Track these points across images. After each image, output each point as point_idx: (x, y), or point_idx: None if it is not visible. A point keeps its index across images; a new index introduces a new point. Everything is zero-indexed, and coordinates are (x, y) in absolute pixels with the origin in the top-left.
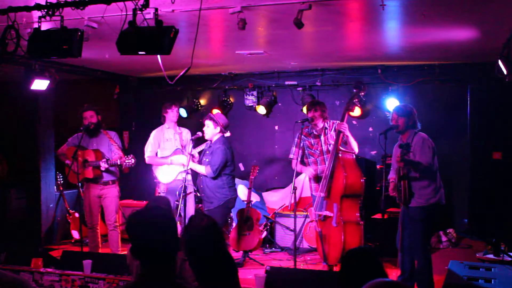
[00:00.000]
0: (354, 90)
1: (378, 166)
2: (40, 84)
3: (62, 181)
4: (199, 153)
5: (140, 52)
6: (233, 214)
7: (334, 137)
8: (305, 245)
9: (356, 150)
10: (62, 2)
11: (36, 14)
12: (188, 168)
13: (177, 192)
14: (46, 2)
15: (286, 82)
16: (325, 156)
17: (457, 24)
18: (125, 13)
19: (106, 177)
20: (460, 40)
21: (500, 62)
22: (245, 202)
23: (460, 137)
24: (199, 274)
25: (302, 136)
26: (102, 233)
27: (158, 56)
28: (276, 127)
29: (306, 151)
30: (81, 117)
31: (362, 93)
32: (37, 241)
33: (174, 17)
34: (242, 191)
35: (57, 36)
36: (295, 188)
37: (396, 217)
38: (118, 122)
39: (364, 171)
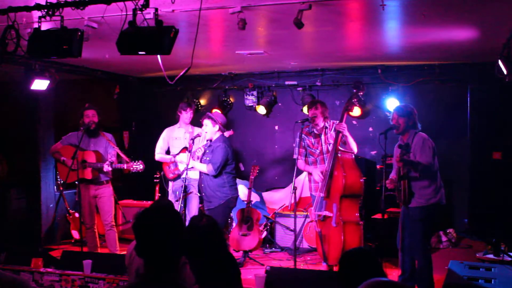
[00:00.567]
0: (354, 90)
1: (378, 166)
2: (40, 84)
3: (62, 181)
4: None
5: (140, 52)
6: (233, 214)
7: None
8: (305, 245)
9: (355, 150)
10: (62, 2)
11: (36, 14)
12: (189, 166)
13: (177, 192)
14: (46, 2)
15: (286, 82)
16: (325, 155)
17: (457, 24)
18: (125, 13)
19: (102, 177)
20: (460, 40)
21: (500, 62)
22: (245, 202)
23: (460, 137)
24: (200, 275)
25: (303, 135)
26: (101, 233)
27: (158, 56)
28: (276, 127)
29: (306, 150)
30: (82, 116)
31: (361, 93)
32: (37, 241)
33: (174, 17)
34: (242, 191)
35: (57, 36)
36: (295, 188)
37: (396, 217)
38: (118, 122)
39: (364, 171)
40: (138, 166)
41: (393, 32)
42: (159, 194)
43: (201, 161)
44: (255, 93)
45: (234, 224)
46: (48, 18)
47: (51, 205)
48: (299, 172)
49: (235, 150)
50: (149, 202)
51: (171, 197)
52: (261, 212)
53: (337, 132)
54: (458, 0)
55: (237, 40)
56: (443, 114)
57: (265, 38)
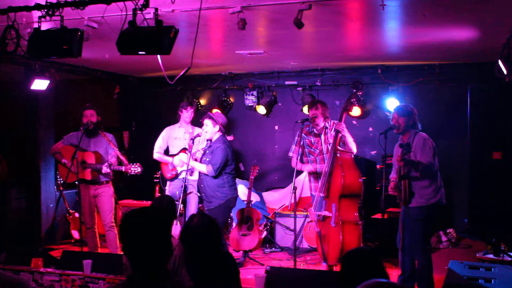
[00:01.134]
0: (353, 90)
1: (378, 166)
2: (40, 84)
3: (62, 181)
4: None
5: (140, 52)
6: (233, 214)
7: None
8: (305, 245)
9: (354, 150)
10: (62, 2)
11: (36, 14)
12: (189, 166)
13: (177, 192)
14: (46, 2)
15: (286, 82)
16: (324, 155)
17: (457, 24)
18: (125, 13)
19: (101, 178)
20: (460, 40)
21: (500, 62)
22: (245, 202)
23: (460, 137)
24: (194, 274)
25: (303, 134)
26: (101, 233)
27: (158, 56)
28: (276, 127)
29: (306, 149)
30: (81, 115)
31: (360, 93)
32: (37, 241)
33: (174, 17)
34: (242, 191)
35: (57, 36)
36: (295, 188)
37: (396, 217)
38: (118, 122)
39: (364, 171)
40: (136, 169)
41: (393, 32)
42: (159, 194)
43: (201, 162)
44: (255, 93)
45: (234, 224)
46: (48, 18)
47: (51, 205)
48: (299, 172)
49: (235, 150)
50: (149, 202)
51: None
52: (261, 212)
53: (336, 132)
54: (458, 0)
55: (237, 40)
56: (443, 114)
57: (265, 38)
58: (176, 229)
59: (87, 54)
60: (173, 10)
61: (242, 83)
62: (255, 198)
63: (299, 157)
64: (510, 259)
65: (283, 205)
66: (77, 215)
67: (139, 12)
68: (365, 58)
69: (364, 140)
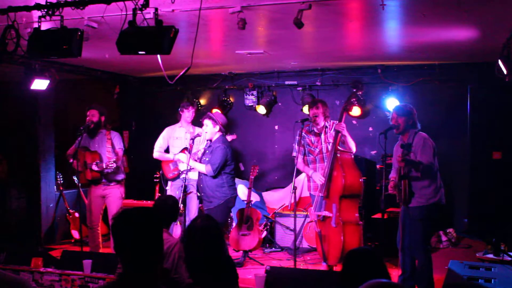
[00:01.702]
0: (354, 90)
1: (378, 166)
2: (40, 84)
3: (62, 181)
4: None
5: (140, 52)
6: (233, 214)
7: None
8: (305, 245)
9: (354, 149)
10: (62, 2)
11: (36, 14)
12: (189, 166)
13: (177, 192)
14: (46, 2)
15: (286, 82)
16: (324, 155)
17: (457, 24)
18: (125, 13)
19: (104, 178)
20: (460, 40)
21: (500, 62)
22: (245, 202)
23: (460, 137)
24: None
25: (303, 133)
26: (104, 233)
27: (158, 56)
28: (276, 127)
29: (305, 148)
30: (86, 114)
31: (360, 93)
32: (37, 241)
33: (174, 17)
34: (242, 191)
35: (57, 36)
36: (295, 188)
37: (396, 216)
38: (118, 122)
39: (364, 171)
40: (113, 165)
41: (393, 32)
42: (159, 194)
43: (200, 162)
44: (255, 93)
45: (234, 224)
46: (48, 18)
47: (51, 205)
48: (299, 172)
49: (235, 150)
50: (149, 202)
51: None
52: (261, 212)
53: (336, 132)
54: (458, 0)
55: (237, 40)
56: (443, 114)
57: (265, 38)
58: (176, 229)
59: (87, 54)
60: (173, 10)
61: (242, 83)
62: (255, 198)
63: (302, 157)
64: (510, 259)
65: (283, 205)
66: (77, 215)
67: (139, 12)
68: (365, 58)
69: (364, 140)
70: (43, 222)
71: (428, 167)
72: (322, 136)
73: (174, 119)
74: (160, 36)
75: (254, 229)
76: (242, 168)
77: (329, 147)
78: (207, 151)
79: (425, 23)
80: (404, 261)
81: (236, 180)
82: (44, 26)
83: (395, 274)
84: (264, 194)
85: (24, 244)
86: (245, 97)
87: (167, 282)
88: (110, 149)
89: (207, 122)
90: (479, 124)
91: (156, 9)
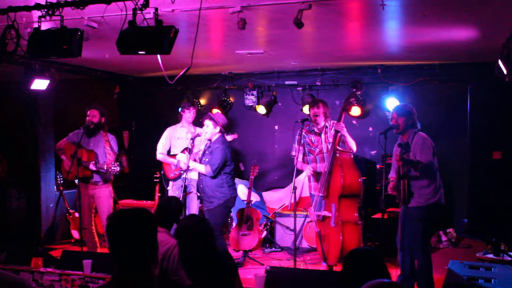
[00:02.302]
0: (353, 90)
1: (378, 166)
2: (40, 84)
3: (62, 181)
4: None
5: (140, 52)
6: (233, 214)
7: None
8: (305, 245)
9: (354, 148)
10: (62, 2)
11: (36, 13)
12: (188, 166)
13: (177, 192)
14: (46, 2)
15: (286, 82)
16: (324, 154)
17: (457, 24)
18: (125, 13)
19: (96, 177)
20: (460, 40)
21: (500, 62)
22: (245, 202)
23: (460, 137)
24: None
25: (303, 133)
26: (101, 233)
27: (158, 56)
28: (276, 127)
29: (306, 148)
30: (86, 114)
31: (359, 92)
32: (37, 241)
33: (174, 17)
34: (242, 191)
35: (57, 36)
36: (295, 188)
37: (396, 216)
38: (118, 122)
39: (364, 171)
40: (115, 168)
41: (393, 32)
42: (159, 194)
43: (200, 162)
44: (255, 93)
45: (234, 224)
46: (48, 18)
47: (51, 205)
48: (299, 171)
49: (235, 150)
50: (149, 202)
51: None
52: (261, 212)
53: (336, 132)
54: (458, 0)
55: (237, 40)
56: (443, 114)
57: (265, 38)
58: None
59: (87, 54)
60: (173, 10)
61: (242, 83)
62: (255, 198)
63: (300, 156)
64: (510, 259)
65: (283, 205)
66: (77, 215)
67: (139, 12)
68: (365, 58)
69: (364, 140)
70: (43, 222)
71: (428, 167)
72: (322, 136)
73: (174, 119)
74: (160, 36)
75: (254, 229)
76: (242, 168)
77: (329, 147)
78: (207, 152)
79: (425, 23)
80: (404, 261)
81: (236, 180)
82: (44, 26)
83: (394, 274)
84: (264, 194)
85: (24, 244)
86: (245, 97)
87: (167, 284)
88: (109, 150)
89: (207, 123)
90: (479, 124)
91: (156, 9)
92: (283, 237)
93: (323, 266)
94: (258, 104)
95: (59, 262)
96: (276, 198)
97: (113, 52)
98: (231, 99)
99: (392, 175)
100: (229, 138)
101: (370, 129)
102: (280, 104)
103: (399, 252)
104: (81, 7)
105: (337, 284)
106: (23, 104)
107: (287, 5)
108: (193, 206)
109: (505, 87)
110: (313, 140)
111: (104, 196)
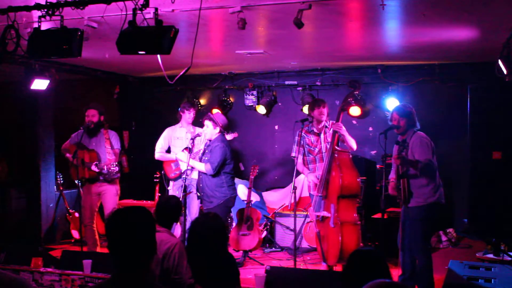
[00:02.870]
0: (351, 89)
1: (378, 166)
2: (40, 84)
3: (62, 181)
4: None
5: (140, 52)
6: (233, 214)
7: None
8: (305, 245)
9: (354, 147)
10: (62, 2)
11: (36, 13)
12: (189, 166)
13: (177, 192)
14: (46, 1)
15: (286, 82)
16: (323, 154)
17: (457, 24)
18: (125, 13)
19: (101, 176)
20: (460, 40)
21: (500, 62)
22: (245, 202)
23: (460, 137)
24: (198, 273)
25: (302, 133)
26: (101, 232)
27: (158, 56)
28: (276, 127)
29: (305, 148)
30: (84, 115)
31: (357, 92)
32: (37, 241)
33: (174, 17)
34: (242, 190)
35: (57, 36)
36: (295, 188)
37: (396, 216)
38: (118, 122)
39: (364, 171)
40: (114, 168)
41: (393, 32)
42: (159, 194)
43: (200, 161)
44: (255, 93)
45: (234, 224)
46: (48, 17)
47: (51, 205)
48: (299, 172)
49: (235, 150)
50: (149, 202)
51: None
52: (261, 212)
53: (334, 132)
54: (458, 0)
55: (237, 39)
56: (443, 114)
57: (265, 38)
58: (176, 229)
59: (87, 54)
60: (173, 10)
61: (242, 83)
62: (255, 197)
63: (302, 157)
64: (510, 259)
65: (283, 205)
66: (77, 215)
67: (139, 12)
68: (365, 58)
69: (364, 140)
70: (43, 222)
71: (427, 165)
72: (322, 135)
73: (174, 119)
74: (160, 36)
75: (254, 229)
76: (242, 168)
77: (328, 147)
78: (207, 150)
79: (425, 23)
80: (404, 261)
81: (236, 180)
82: (44, 26)
83: (395, 274)
84: (264, 194)
85: (24, 244)
86: (245, 97)
87: (168, 283)
88: (109, 149)
89: (207, 123)
90: (479, 124)
91: (156, 9)
92: (283, 237)
93: (323, 266)
94: (258, 104)
95: (59, 262)
96: (276, 198)
97: (113, 52)
98: (231, 99)
99: (392, 175)
100: (229, 137)
101: (370, 129)
102: (280, 104)
103: (400, 252)
104: (81, 7)
105: (338, 284)
106: (23, 104)
107: (287, 5)
108: (193, 206)
109: (505, 87)
110: (312, 140)
111: (110, 194)
